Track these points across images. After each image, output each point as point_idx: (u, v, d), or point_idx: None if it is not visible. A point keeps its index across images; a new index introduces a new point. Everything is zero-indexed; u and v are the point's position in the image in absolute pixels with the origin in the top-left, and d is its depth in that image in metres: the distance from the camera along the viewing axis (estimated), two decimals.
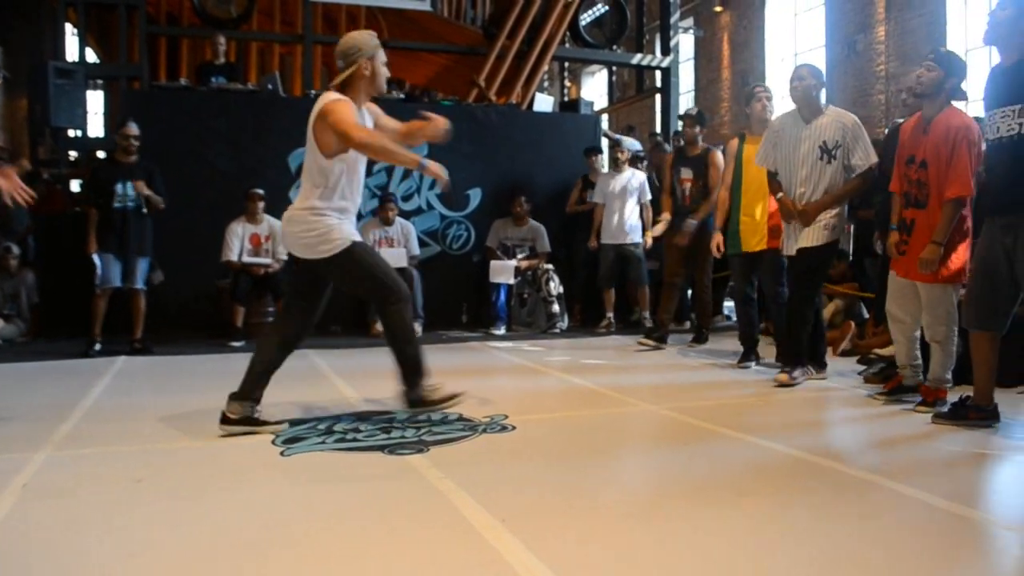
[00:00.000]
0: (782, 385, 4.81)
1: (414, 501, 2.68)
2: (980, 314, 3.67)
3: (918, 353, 4.38)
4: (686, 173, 6.68)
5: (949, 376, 4.19)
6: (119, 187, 6.27)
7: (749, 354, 5.77)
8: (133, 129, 6.40)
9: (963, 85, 4.08)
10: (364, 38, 3.71)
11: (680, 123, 8.02)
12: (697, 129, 6.72)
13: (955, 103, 4.07)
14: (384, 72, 3.73)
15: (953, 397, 3.98)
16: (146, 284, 6.46)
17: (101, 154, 8.89)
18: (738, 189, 5.66)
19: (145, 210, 6.34)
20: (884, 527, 2.43)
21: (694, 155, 6.67)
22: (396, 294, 3.71)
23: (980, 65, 13.20)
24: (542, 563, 2.11)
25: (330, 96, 3.60)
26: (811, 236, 4.80)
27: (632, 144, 9.24)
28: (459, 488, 2.76)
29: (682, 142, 7.04)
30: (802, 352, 4.93)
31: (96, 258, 6.26)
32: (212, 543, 2.30)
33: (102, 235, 6.27)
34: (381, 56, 3.72)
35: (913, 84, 4.26)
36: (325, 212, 3.62)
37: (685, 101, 16.99)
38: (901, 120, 5.09)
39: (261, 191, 7.16)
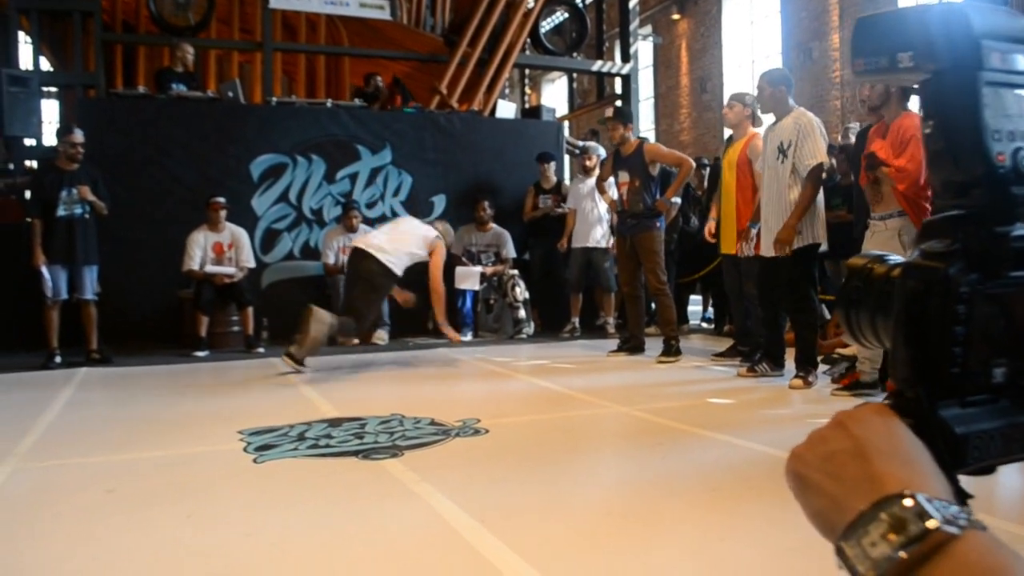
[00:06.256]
0: (797, 388, 4.77)
1: (391, 504, 2.66)
2: None
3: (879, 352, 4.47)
4: (623, 176, 6.27)
5: None
6: (64, 194, 6.17)
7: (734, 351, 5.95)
8: (79, 136, 6.29)
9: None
10: None
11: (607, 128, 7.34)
12: (622, 129, 6.22)
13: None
14: None
15: None
16: (95, 294, 6.35)
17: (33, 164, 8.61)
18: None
19: (87, 216, 6.25)
20: None
21: (628, 154, 6.22)
22: None
23: None
24: (526, 563, 2.11)
25: None
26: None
27: (598, 150, 9.30)
28: (436, 491, 2.76)
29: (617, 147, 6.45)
30: (813, 356, 4.92)
31: (44, 270, 6.14)
32: (188, 551, 2.27)
33: (48, 246, 6.16)
34: None
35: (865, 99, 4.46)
36: None
37: (645, 107, 17.18)
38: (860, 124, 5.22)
39: (223, 199, 7.06)
